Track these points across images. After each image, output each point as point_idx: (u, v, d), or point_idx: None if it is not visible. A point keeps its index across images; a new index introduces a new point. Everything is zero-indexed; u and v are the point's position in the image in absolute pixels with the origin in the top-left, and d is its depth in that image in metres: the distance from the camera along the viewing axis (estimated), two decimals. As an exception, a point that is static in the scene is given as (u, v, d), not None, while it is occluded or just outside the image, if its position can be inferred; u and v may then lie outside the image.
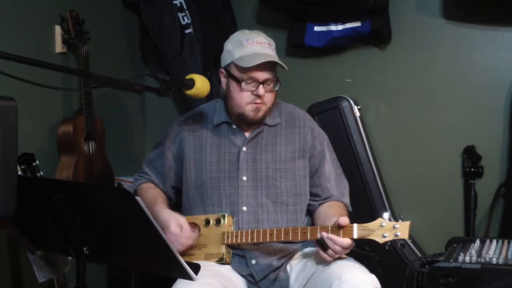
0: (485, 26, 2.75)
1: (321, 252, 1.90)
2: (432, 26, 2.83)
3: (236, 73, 2.06)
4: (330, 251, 1.87)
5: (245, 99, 2.06)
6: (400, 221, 1.82)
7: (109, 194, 1.57)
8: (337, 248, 1.85)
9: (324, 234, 1.86)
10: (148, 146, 3.25)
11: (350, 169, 2.65)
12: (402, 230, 1.80)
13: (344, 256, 1.96)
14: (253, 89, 2.04)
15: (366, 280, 1.82)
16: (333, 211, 2.10)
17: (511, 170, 2.65)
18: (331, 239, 1.85)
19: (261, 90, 2.03)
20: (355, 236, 1.84)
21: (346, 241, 1.84)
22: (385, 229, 1.81)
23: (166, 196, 2.25)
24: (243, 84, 2.04)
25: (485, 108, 2.76)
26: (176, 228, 2.01)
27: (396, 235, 1.80)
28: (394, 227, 1.80)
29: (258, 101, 2.05)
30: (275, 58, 2.05)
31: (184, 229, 2.02)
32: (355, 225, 1.84)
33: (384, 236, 1.81)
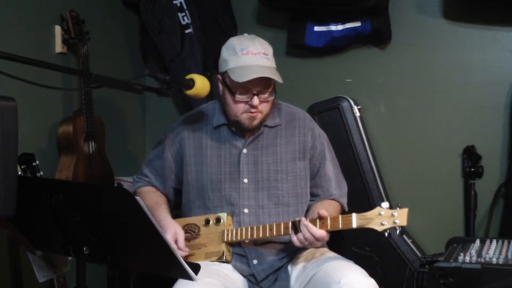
0: (485, 26, 2.75)
1: (292, 235, 1.91)
2: (432, 26, 2.82)
3: (230, 83, 2.04)
4: (300, 235, 1.88)
5: (240, 109, 2.05)
6: (398, 209, 1.83)
7: (109, 194, 1.57)
8: (308, 235, 1.87)
9: (304, 220, 1.89)
10: (148, 146, 3.25)
11: (350, 169, 2.65)
12: (400, 217, 1.81)
13: (332, 253, 1.99)
14: (247, 99, 2.03)
15: (365, 284, 1.81)
16: (320, 206, 2.11)
17: (511, 170, 2.65)
18: (306, 226, 1.88)
19: (255, 101, 2.02)
20: (354, 225, 1.85)
21: (320, 232, 1.86)
22: (384, 217, 1.82)
23: (167, 200, 2.24)
24: (237, 95, 2.03)
25: (485, 108, 2.76)
26: (171, 240, 2.01)
27: (394, 222, 1.82)
28: (392, 215, 1.82)
29: (253, 110, 2.04)
30: (268, 72, 2.00)
31: (179, 243, 2.02)
32: (353, 214, 1.86)
33: (382, 224, 1.82)
